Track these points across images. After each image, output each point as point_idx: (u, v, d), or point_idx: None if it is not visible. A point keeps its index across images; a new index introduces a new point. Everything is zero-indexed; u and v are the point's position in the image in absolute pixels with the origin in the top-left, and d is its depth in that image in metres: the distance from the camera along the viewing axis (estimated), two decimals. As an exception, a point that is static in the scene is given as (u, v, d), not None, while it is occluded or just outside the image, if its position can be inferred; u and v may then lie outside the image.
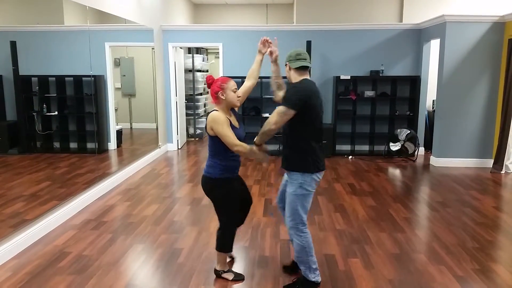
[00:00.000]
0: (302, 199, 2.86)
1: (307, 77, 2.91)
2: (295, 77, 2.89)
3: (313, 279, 2.96)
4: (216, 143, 2.88)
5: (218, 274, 3.16)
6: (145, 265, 3.36)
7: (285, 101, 2.74)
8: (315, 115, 2.82)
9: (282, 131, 2.97)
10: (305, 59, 2.91)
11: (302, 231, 2.90)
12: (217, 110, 2.91)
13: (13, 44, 3.84)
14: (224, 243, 3.10)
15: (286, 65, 2.95)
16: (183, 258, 3.48)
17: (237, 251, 3.60)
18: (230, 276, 3.14)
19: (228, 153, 2.89)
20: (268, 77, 7.32)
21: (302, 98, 2.74)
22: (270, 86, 3.16)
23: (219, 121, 2.81)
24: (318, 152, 2.87)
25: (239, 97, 2.96)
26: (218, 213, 3.08)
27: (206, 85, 2.95)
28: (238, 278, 3.14)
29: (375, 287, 3.03)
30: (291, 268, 3.24)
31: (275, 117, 2.72)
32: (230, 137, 2.79)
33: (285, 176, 3.03)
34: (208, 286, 3.04)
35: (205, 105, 10.54)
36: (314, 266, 2.96)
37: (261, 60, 3.23)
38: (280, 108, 2.72)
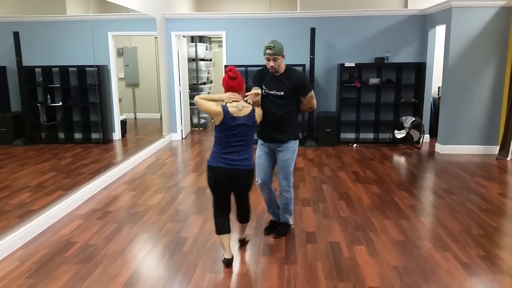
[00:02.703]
0: (294, 161, 3.53)
1: None
2: (283, 66, 3.39)
3: (291, 223, 3.80)
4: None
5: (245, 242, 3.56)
6: (151, 254, 3.38)
7: (308, 87, 3.45)
8: None
9: (279, 110, 3.37)
10: None
11: (292, 187, 3.60)
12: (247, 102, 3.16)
13: (16, 35, 3.83)
14: (214, 223, 3.25)
15: (283, 56, 3.32)
16: (188, 246, 3.51)
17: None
18: (223, 257, 3.20)
19: (215, 136, 3.11)
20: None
21: None
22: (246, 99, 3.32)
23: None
24: None
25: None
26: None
27: (229, 78, 3.11)
28: (227, 260, 3.16)
29: (380, 274, 3.04)
30: (270, 228, 3.77)
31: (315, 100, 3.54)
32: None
33: (263, 151, 3.53)
34: (213, 274, 3.06)
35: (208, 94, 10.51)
36: (292, 212, 3.77)
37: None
38: (312, 93, 3.47)
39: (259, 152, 3.55)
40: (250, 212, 3.44)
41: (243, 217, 3.42)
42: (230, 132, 3.03)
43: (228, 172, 3.07)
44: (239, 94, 3.12)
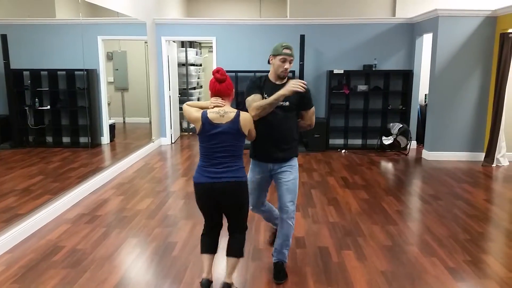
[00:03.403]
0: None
1: None
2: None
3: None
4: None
5: None
6: (140, 259, 3.36)
7: (312, 100, 3.07)
8: None
9: (285, 126, 2.97)
10: None
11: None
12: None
13: (3, 38, 3.80)
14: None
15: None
16: (177, 251, 3.49)
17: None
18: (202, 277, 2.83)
19: (199, 146, 2.74)
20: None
21: None
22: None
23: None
24: None
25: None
26: None
27: (216, 80, 2.72)
28: (203, 282, 2.77)
29: (368, 278, 3.06)
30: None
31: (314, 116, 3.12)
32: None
33: (258, 174, 3.05)
34: (202, 279, 3.05)
35: (198, 99, 10.51)
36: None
37: None
38: (314, 108, 3.09)
39: (252, 177, 3.06)
40: (243, 244, 2.84)
41: (231, 248, 2.81)
42: (212, 142, 2.63)
43: (210, 187, 2.65)
44: (226, 100, 2.74)
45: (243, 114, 2.71)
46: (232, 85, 2.77)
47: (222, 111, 2.66)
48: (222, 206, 2.75)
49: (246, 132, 2.70)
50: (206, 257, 2.83)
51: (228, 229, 2.84)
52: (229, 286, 2.77)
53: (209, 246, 2.84)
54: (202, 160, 2.71)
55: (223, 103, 2.72)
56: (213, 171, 2.65)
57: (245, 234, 2.87)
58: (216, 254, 2.88)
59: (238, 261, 2.82)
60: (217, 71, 2.71)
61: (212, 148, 2.66)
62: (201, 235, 2.88)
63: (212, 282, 2.81)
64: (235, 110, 2.70)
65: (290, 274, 3.12)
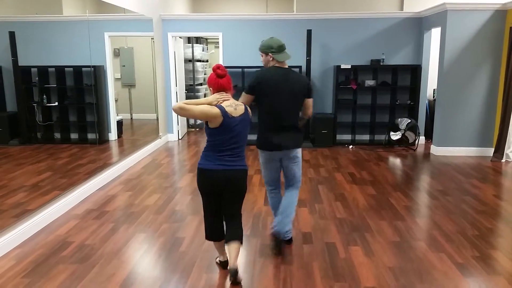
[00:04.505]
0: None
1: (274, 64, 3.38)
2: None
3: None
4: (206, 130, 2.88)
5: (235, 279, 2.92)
6: (147, 254, 3.38)
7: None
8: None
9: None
10: None
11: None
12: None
13: (12, 35, 3.82)
14: (204, 228, 3.05)
15: (267, 54, 3.36)
16: (185, 247, 3.51)
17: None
18: (217, 259, 3.19)
19: (210, 139, 2.85)
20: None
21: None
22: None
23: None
24: None
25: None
26: None
27: (218, 76, 2.83)
28: (222, 263, 3.10)
29: (376, 274, 3.05)
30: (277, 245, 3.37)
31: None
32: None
33: (275, 158, 3.38)
34: (210, 274, 3.06)
35: (205, 95, 10.52)
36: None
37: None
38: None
39: (266, 159, 3.42)
40: (242, 230, 3.03)
41: (233, 234, 2.94)
42: (230, 134, 2.79)
43: (223, 174, 2.82)
44: (229, 93, 2.87)
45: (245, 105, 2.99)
46: (231, 79, 2.90)
47: (234, 104, 2.82)
48: (226, 192, 2.91)
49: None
50: (216, 243, 3.05)
51: (225, 217, 3.00)
52: (237, 271, 2.87)
53: (217, 230, 3.02)
54: (213, 151, 2.83)
55: (228, 96, 2.85)
56: (226, 160, 2.83)
57: (241, 218, 3.04)
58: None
59: (239, 247, 2.93)
60: (217, 67, 2.83)
61: (228, 140, 2.81)
62: (206, 222, 3.02)
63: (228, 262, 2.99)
64: (241, 102, 2.95)
65: (297, 269, 3.12)
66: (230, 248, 2.89)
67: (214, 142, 2.82)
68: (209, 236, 3.02)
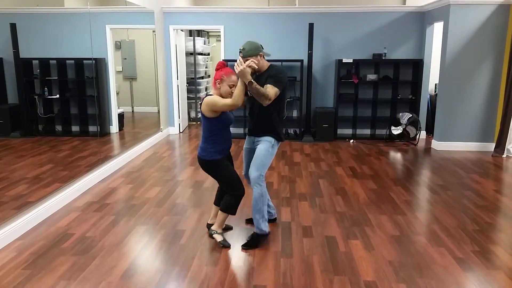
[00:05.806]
0: (270, 156, 3.39)
1: None
2: (265, 64, 3.34)
3: (265, 228, 3.42)
4: (214, 124, 3.19)
5: (210, 234, 3.46)
6: (148, 246, 3.40)
7: (278, 81, 3.23)
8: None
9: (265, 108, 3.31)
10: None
11: (263, 181, 3.39)
12: (211, 95, 3.16)
13: (13, 26, 3.81)
14: (229, 206, 3.33)
15: (261, 55, 3.26)
16: (185, 239, 3.52)
17: (239, 231, 3.64)
18: (219, 238, 3.40)
19: (223, 134, 3.26)
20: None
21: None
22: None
23: (216, 100, 3.10)
24: None
25: (231, 93, 3.14)
26: (221, 185, 3.48)
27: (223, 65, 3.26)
28: (225, 244, 3.37)
29: (376, 268, 3.06)
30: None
31: (272, 94, 3.18)
32: (226, 102, 3.08)
33: (248, 144, 3.58)
34: (210, 267, 3.08)
35: (206, 89, 10.50)
36: (266, 216, 3.44)
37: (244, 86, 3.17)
38: (276, 89, 3.21)
39: (245, 145, 3.64)
40: (230, 203, 3.39)
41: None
42: (231, 122, 3.30)
43: (226, 157, 3.39)
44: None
45: (206, 98, 3.20)
46: (215, 77, 3.18)
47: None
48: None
49: (209, 114, 3.19)
50: (214, 207, 3.62)
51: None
52: (210, 226, 3.55)
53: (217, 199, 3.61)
54: (220, 141, 3.25)
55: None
56: (228, 147, 3.36)
57: (230, 196, 3.34)
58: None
59: (219, 212, 3.39)
60: (223, 64, 3.23)
61: (229, 127, 3.32)
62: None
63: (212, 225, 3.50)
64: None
65: (297, 262, 3.13)
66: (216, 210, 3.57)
67: (219, 133, 3.25)
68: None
